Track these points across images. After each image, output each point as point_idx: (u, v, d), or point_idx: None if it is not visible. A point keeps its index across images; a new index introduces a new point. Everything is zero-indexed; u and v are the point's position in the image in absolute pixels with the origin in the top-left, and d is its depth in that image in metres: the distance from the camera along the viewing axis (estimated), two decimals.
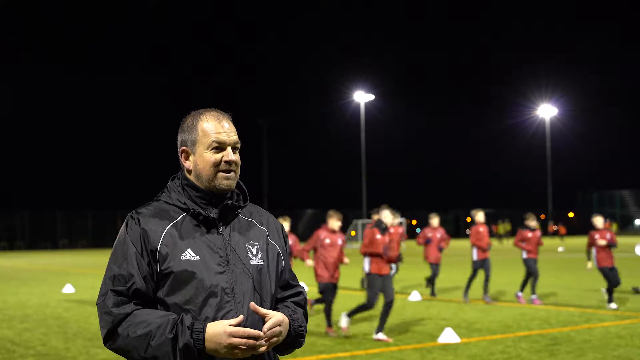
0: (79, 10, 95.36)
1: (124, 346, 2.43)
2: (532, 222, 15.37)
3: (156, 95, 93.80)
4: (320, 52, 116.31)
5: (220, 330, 2.37)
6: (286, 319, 2.54)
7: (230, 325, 2.38)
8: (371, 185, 61.83)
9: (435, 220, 17.28)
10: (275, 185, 78.53)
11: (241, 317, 2.41)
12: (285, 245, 2.80)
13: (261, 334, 2.39)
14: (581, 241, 61.61)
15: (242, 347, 2.36)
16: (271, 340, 2.45)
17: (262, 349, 2.41)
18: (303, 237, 71.39)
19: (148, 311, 2.46)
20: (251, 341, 2.37)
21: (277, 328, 2.47)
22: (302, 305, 2.74)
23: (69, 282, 20.65)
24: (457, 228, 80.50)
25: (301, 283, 10.40)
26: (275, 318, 2.47)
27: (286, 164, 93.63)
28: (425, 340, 10.30)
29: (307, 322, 2.70)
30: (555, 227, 76.45)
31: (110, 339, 2.46)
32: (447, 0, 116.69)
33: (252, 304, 2.47)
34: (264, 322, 2.49)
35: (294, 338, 2.60)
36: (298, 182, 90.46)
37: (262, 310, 2.46)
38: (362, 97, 60.50)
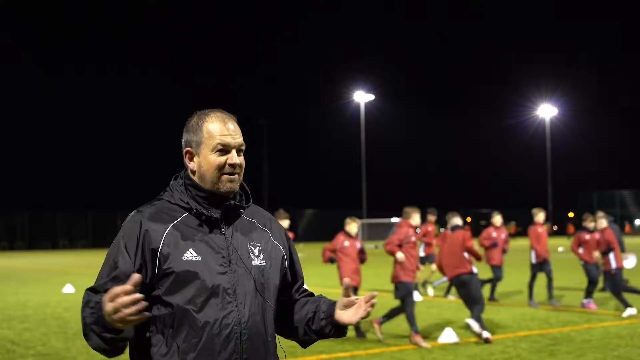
0: (79, 10, 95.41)
1: (92, 342, 2.42)
2: (591, 224, 14.04)
3: (156, 95, 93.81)
4: (320, 52, 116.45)
5: (104, 298, 2.29)
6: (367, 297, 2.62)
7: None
8: (371, 185, 61.86)
9: (498, 219, 16.07)
10: (275, 185, 78.58)
11: (135, 277, 2.27)
12: (289, 246, 2.80)
13: (131, 288, 2.23)
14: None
15: (119, 308, 2.24)
16: (369, 309, 2.56)
17: (143, 304, 2.25)
18: (303, 237, 71.41)
19: (99, 296, 2.40)
20: (122, 299, 2.22)
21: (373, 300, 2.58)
22: None
23: (69, 282, 20.65)
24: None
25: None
26: (367, 297, 2.58)
27: (286, 164, 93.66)
28: (425, 340, 10.29)
29: None
30: (556, 227, 76.45)
31: (84, 336, 2.46)
32: (447, 0, 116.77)
33: (347, 279, 2.56)
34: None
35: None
36: (298, 182, 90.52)
37: (352, 298, 2.58)
38: (362, 97, 60.54)
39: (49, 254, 49.51)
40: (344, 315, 2.60)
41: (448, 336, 10.20)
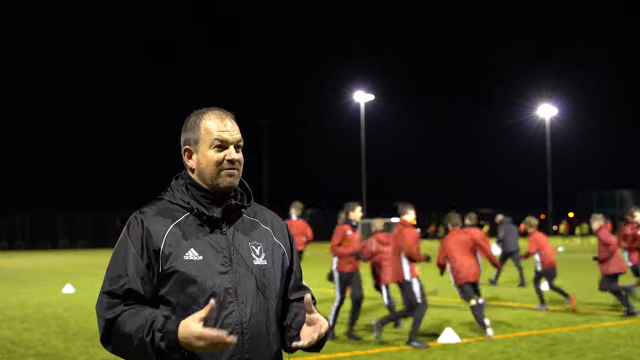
0: (79, 10, 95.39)
1: (117, 348, 2.47)
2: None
3: (156, 95, 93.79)
4: (320, 52, 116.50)
5: (188, 333, 2.32)
6: (326, 322, 2.55)
7: (200, 319, 2.32)
8: (371, 185, 61.85)
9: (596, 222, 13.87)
10: (275, 185, 78.58)
11: (210, 304, 2.34)
12: (291, 244, 2.79)
13: (225, 337, 2.32)
14: (581, 241, 61.45)
15: (211, 346, 2.33)
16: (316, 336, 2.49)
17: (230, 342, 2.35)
18: None
19: (134, 312, 2.44)
20: (216, 346, 2.32)
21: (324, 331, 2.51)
22: None
23: (69, 282, 20.65)
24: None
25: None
26: (325, 325, 2.50)
27: (286, 164, 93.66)
28: (425, 340, 10.29)
29: None
30: (555, 227, 76.42)
31: (104, 342, 2.49)
32: (448, 0, 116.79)
33: (308, 296, 2.49)
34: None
35: (324, 339, 2.59)
36: (298, 182, 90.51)
37: (314, 316, 2.49)
38: (362, 97, 60.53)
39: (49, 254, 49.51)
40: (302, 332, 2.55)
41: (448, 336, 10.20)
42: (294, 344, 2.54)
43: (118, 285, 2.48)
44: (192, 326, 2.32)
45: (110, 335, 2.46)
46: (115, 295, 2.48)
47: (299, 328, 2.58)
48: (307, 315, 2.51)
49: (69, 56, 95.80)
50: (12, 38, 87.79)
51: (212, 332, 2.31)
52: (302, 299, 2.71)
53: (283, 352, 2.69)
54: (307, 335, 2.50)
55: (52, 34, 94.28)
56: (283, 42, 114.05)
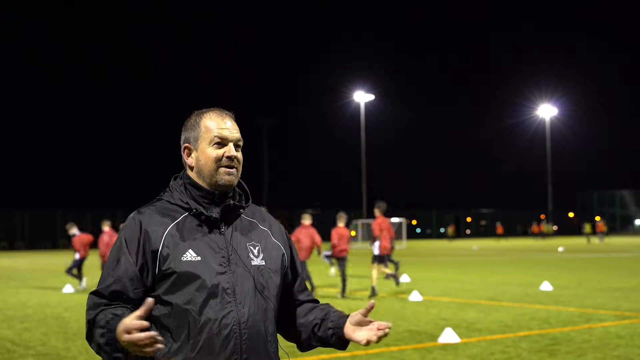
0: (79, 11, 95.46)
1: (97, 348, 2.47)
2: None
3: (157, 95, 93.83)
4: (320, 52, 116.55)
5: (119, 328, 2.31)
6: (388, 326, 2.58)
7: (136, 317, 2.28)
8: (371, 185, 61.87)
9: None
10: (275, 185, 78.64)
11: (148, 302, 2.30)
12: (290, 246, 2.80)
13: (146, 324, 2.26)
14: (581, 241, 61.52)
15: (138, 342, 2.26)
16: (382, 335, 2.52)
17: (159, 345, 2.28)
18: None
19: (108, 312, 2.44)
20: (138, 336, 2.25)
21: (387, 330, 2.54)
22: None
23: (69, 282, 20.66)
24: (457, 228, 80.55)
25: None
26: (388, 329, 2.53)
27: (286, 164, 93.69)
28: (425, 340, 10.29)
29: None
30: (556, 227, 76.51)
31: (88, 340, 2.50)
32: (448, 1, 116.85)
33: (373, 301, 2.53)
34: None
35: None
36: (298, 182, 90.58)
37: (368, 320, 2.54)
38: (362, 97, 60.55)
39: (49, 254, 49.51)
40: (354, 333, 2.57)
41: (448, 336, 10.20)
42: (352, 336, 2.57)
43: (104, 285, 2.50)
44: (124, 320, 2.30)
45: (91, 334, 2.46)
46: (101, 296, 2.49)
47: (337, 327, 2.61)
48: (359, 317, 2.56)
49: (69, 56, 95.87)
50: (12, 41, 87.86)
51: (133, 322, 2.25)
52: (316, 300, 2.80)
53: (282, 351, 2.71)
54: (366, 334, 2.53)
55: (53, 37, 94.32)
56: (283, 42, 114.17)
